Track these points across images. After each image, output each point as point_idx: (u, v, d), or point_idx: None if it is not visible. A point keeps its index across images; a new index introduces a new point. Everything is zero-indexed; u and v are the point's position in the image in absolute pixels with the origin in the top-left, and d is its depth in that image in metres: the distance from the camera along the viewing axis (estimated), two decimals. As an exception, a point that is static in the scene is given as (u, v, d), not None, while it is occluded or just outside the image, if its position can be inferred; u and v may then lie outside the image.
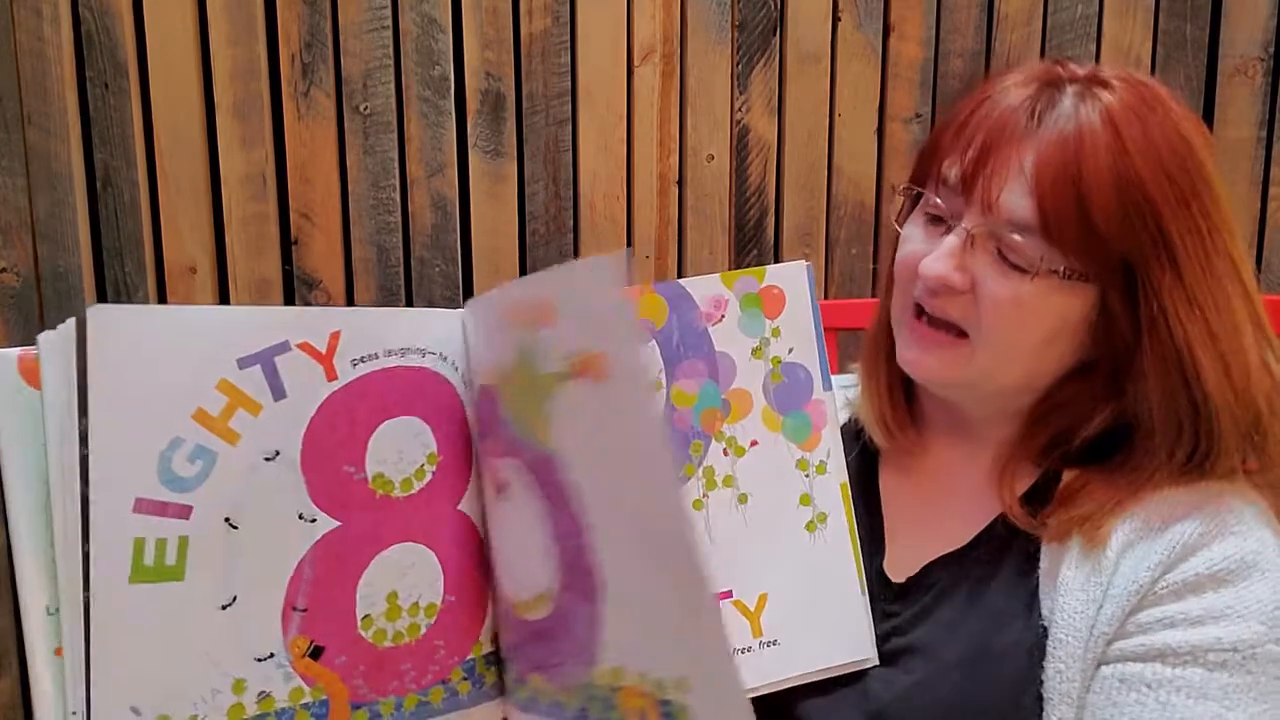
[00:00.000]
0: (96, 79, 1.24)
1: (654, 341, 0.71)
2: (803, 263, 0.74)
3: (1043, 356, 0.71)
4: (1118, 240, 0.67)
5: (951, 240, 0.69)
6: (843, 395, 0.82)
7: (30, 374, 0.55)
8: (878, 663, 0.72)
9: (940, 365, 0.72)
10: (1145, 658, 0.66)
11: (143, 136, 1.26)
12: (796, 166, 1.34)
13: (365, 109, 1.28)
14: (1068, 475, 0.73)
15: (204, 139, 1.27)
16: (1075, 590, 0.69)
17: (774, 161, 1.34)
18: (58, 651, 0.56)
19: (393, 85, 1.28)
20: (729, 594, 0.71)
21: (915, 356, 0.73)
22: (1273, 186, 1.30)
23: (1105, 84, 0.69)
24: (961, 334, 0.71)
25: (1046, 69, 0.72)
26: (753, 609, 0.71)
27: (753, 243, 1.38)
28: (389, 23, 1.26)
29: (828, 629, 0.71)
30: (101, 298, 1.27)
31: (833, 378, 0.75)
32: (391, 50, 1.27)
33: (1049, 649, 0.69)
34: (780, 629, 0.71)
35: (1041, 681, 0.68)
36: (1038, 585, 0.71)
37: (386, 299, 1.32)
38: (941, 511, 0.78)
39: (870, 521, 0.78)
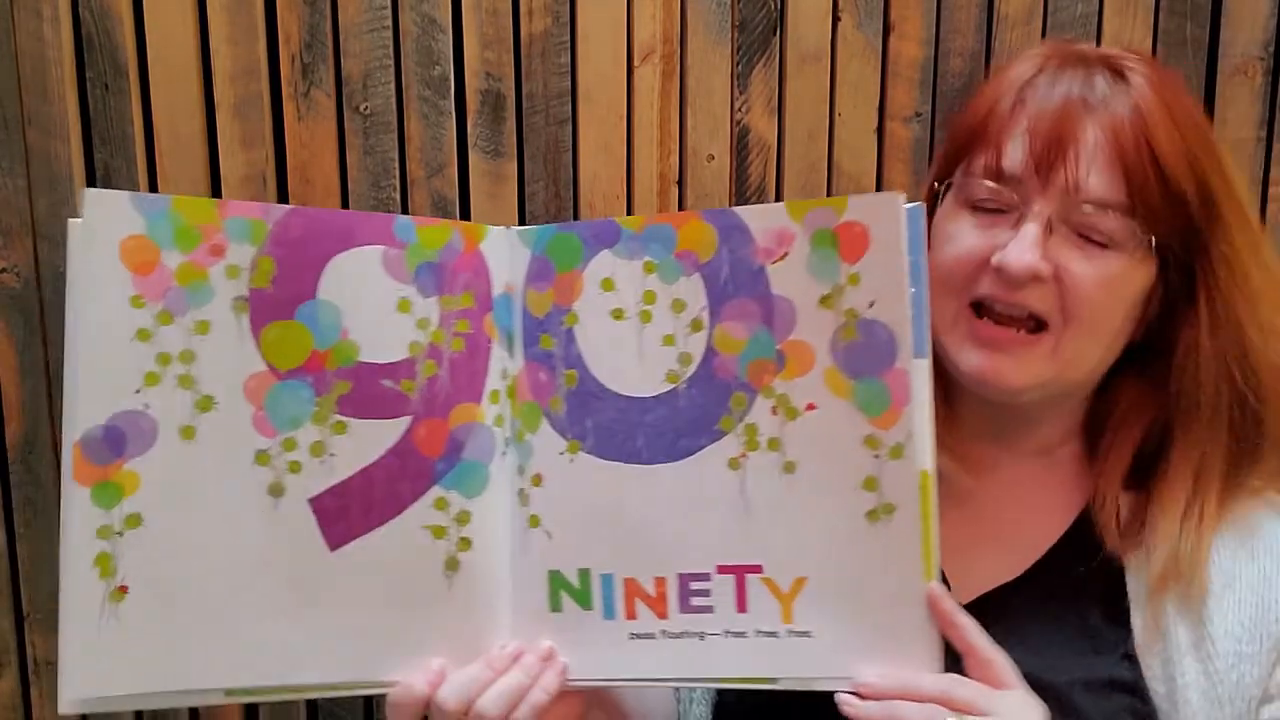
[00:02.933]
0: (96, 80, 1.24)
1: (698, 275, 0.63)
2: (900, 195, 0.62)
3: (1118, 336, 0.71)
4: (1188, 207, 0.68)
5: (1032, 228, 0.67)
6: None
7: None
8: None
9: (1018, 366, 0.68)
10: None
11: (143, 137, 1.26)
12: (796, 166, 1.34)
13: (365, 109, 1.28)
14: (1124, 498, 0.71)
15: (204, 139, 1.27)
16: (1187, 650, 0.67)
17: (774, 161, 1.34)
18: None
19: (393, 85, 1.28)
20: (759, 568, 0.63)
21: (986, 362, 0.67)
22: (1273, 186, 1.30)
23: (1128, 66, 0.71)
24: (1036, 329, 0.68)
25: (1062, 50, 0.73)
26: (786, 592, 0.63)
27: (753, 243, 1.37)
28: (389, 23, 1.26)
29: (874, 636, 0.62)
30: (102, 298, 1.27)
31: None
32: (391, 50, 1.27)
33: (1164, 710, 0.67)
34: (814, 621, 0.62)
35: None
36: (1130, 637, 0.69)
37: (387, 299, 1.32)
38: (989, 539, 0.74)
39: None
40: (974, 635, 0.60)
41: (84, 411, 0.59)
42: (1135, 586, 0.70)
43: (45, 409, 1.28)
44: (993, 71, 0.75)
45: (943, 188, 0.73)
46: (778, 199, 1.35)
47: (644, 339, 0.63)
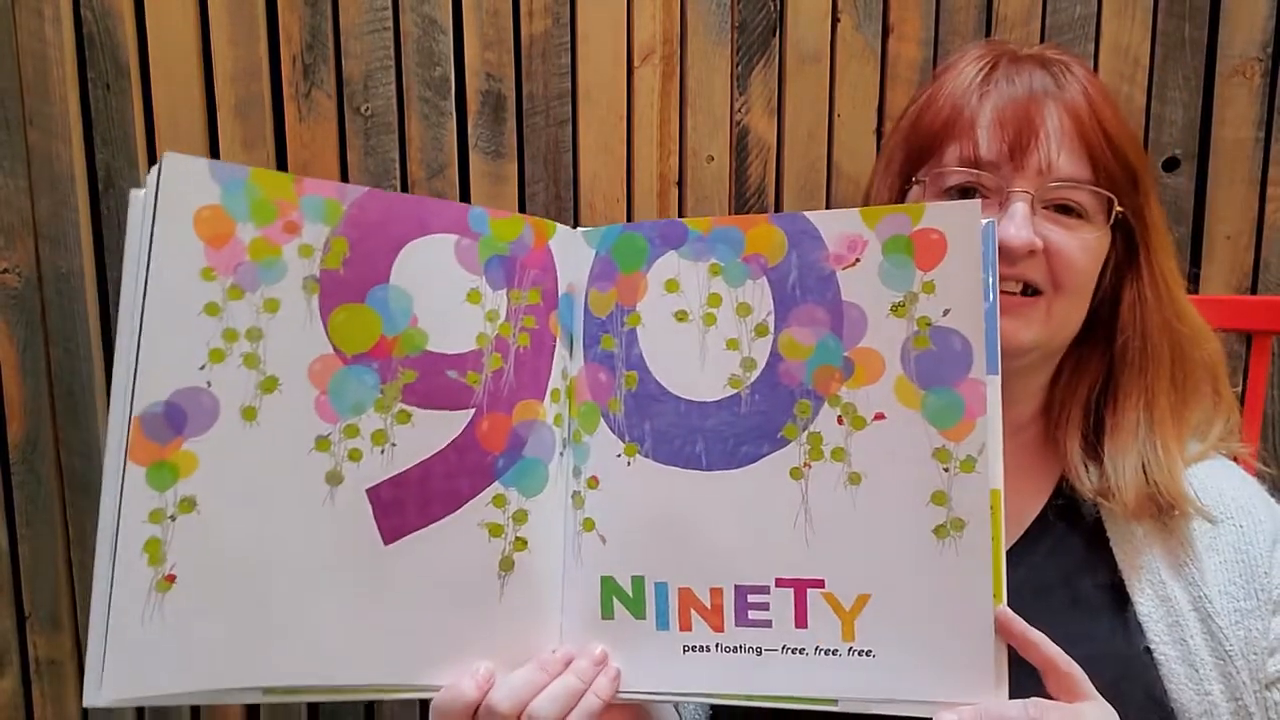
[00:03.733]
0: (98, 79, 1.24)
1: (765, 279, 0.62)
2: (978, 203, 0.62)
3: (1089, 300, 0.77)
4: (1137, 178, 0.76)
5: (1022, 206, 0.73)
6: None
7: None
8: None
9: (1023, 325, 0.74)
10: None
11: (144, 137, 1.26)
12: (796, 167, 1.34)
13: (366, 110, 1.28)
14: (1091, 465, 0.77)
15: (205, 139, 1.27)
16: (1189, 610, 0.72)
17: (774, 162, 1.34)
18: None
19: (394, 86, 1.28)
20: (820, 583, 0.61)
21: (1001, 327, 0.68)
22: (1271, 187, 1.30)
23: (1067, 61, 0.78)
24: (1031, 294, 0.74)
25: (1006, 49, 0.79)
26: (848, 608, 0.61)
27: (753, 243, 1.37)
28: (390, 24, 1.27)
29: (939, 657, 0.59)
30: (103, 298, 1.28)
31: None
32: (392, 51, 1.27)
33: (1179, 673, 0.71)
34: (877, 640, 0.60)
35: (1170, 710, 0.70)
36: (1129, 605, 0.73)
37: (387, 299, 1.32)
38: None
39: None
40: (1051, 649, 0.59)
41: (145, 386, 0.55)
42: (1122, 553, 0.74)
43: (47, 409, 1.28)
44: (938, 74, 0.79)
45: (914, 186, 0.76)
46: (777, 199, 1.36)
47: (707, 342, 0.62)
